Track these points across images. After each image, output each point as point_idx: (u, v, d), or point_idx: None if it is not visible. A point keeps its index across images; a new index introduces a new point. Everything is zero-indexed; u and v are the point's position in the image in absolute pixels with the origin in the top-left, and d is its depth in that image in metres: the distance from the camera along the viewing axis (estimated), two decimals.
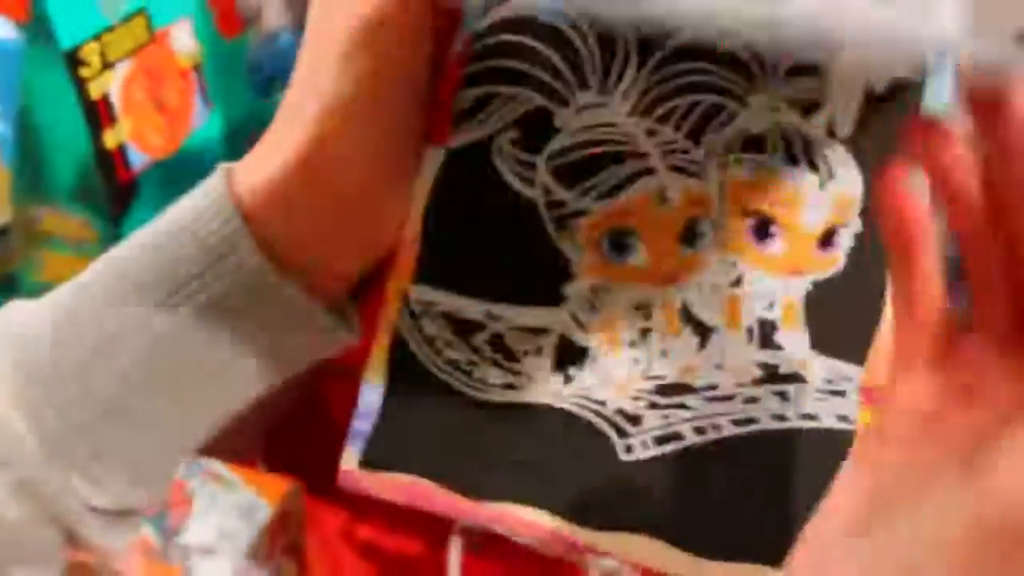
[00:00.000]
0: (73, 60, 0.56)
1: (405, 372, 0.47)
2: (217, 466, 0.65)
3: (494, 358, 0.46)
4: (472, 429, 0.46)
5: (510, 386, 0.46)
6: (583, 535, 0.45)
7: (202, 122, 0.64)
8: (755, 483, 0.45)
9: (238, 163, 0.47)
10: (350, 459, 0.47)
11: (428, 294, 0.47)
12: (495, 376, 0.46)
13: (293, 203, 0.46)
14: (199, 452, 0.61)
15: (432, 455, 0.46)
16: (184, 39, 0.62)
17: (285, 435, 0.74)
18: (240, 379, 0.48)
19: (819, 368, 0.45)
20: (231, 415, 0.50)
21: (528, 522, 0.46)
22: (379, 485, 0.47)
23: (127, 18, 0.58)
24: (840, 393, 0.45)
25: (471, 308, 0.47)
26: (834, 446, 0.44)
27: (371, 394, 0.47)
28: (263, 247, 0.46)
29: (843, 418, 0.45)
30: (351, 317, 0.50)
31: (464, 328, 0.47)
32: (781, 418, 0.45)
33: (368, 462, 0.47)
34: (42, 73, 0.57)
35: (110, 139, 0.58)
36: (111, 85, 0.58)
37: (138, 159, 0.60)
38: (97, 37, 0.57)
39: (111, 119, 0.58)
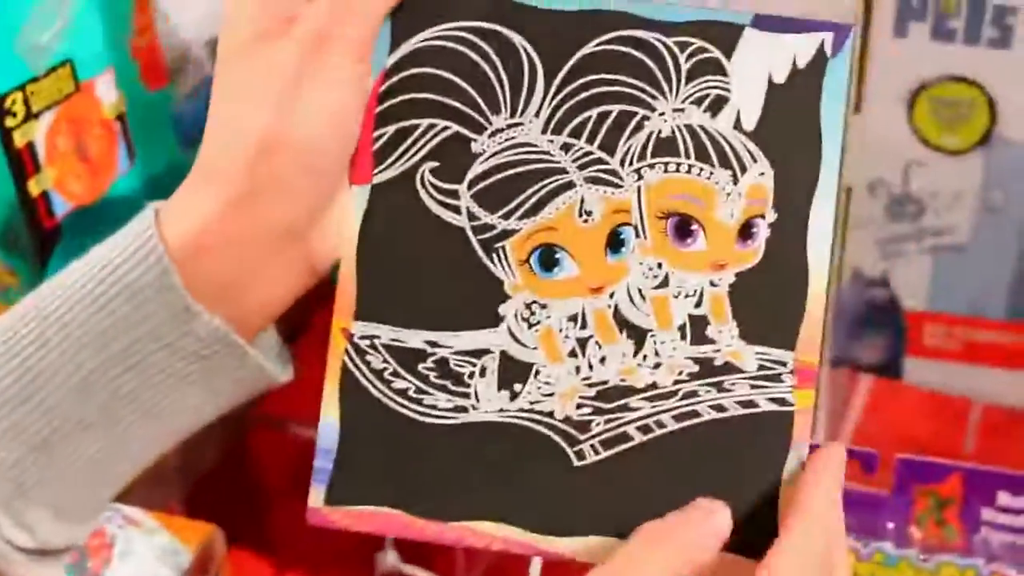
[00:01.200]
0: None
1: (358, 406, 0.48)
2: (137, 512, 0.65)
3: (441, 383, 0.48)
4: (429, 455, 0.48)
5: (460, 408, 0.48)
6: (547, 543, 0.48)
7: (125, 171, 0.65)
8: (702, 473, 0.47)
9: (165, 203, 0.48)
10: (316, 497, 0.48)
11: (370, 329, 0.48)
12: (444, 401, 0.48)
13: (220, 242, 0.47)
14: (119, 499, 0.61)
15: (393, 484, 0.48)
16: (109, 90, 0.63)
17: (209, 485, 0.74)
18: (170, 417, 0.48)
19: (751, 356, 0.48)
20: (161, 454, 0.50)
21: (495, 537, 0.48)
22: (347, 519, 0.48)
23: (52, 69, 0.59)
24: (774, 378, 0.47)
25: (413, 339, 0.48)
26: (773, 428, 0.47)
27: (328, 431, 0.48)
28: (191, 286, 0.46)
29: (780, 401, 0.47)
30: (283, 356, 0.51)
31: (408, 358, 0.48)
32: (720, 408, 0.47)
33: (333, 499, 0.48)
34: None
35: (34, 187, 0.59)
36: (36, 134, 0.59)
37: (61, 206, 0.61)
38: (22, 87, 0.58)
39: (35, 167, 0.59)
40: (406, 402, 0.48)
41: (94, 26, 0.61)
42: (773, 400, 0.47)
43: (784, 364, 0.47)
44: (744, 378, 0.47)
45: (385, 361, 0.48)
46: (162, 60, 0.66)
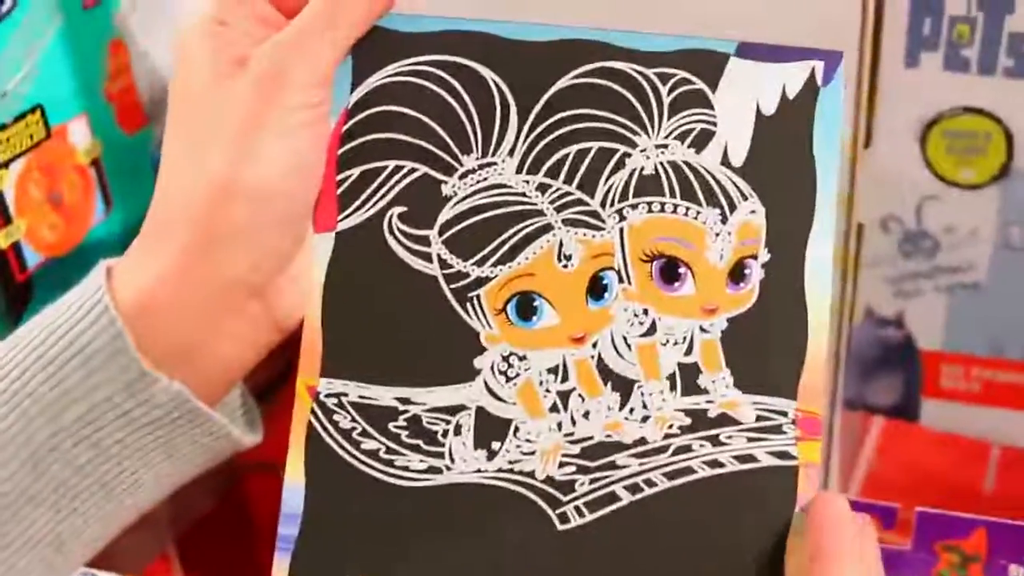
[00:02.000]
0: None
1: (325, 469, 0.46)
2: None
3: (413, 443, 0.45)
4: (401, 520, 0.45)
5: (434, 470, 0.45)
6: None
7: (101, 219, 0.63)
8: (698, 535, 0.44)
9: (118, 262, 0.45)
10: (280, 569, 0.45)
11: (337, 386, 0.46)
12: (417, 462, 0.45)
13: (176, 299, 0.44)
14: (108, 551, 0.59)
15: (363, 553, 0.45)
16: (83, 135, 0.61)
17: (203, 532, 0.72)
18: (130, 491, 0.46)
19: (748, 407, 0.45)
20: (127, 525, 0.48)
21: None
22: None
23: (22, 115, 0.57)
24: (775, 429, 0.45)
25: (383, 395, 0.46)
26: (776, 484, 0.44)
27: (293, 495, 0.46)
28: (146, 349, 0.44)
29: (781, 454, 0.44)
30: (252, 417, 0.49)
31: (378, 416, 0.46)
32: (716, 464, 0.45)
33: (299, 569, 0.45)
34: None
35: (3, 239, 0.57)
36: (5, 184, 0.56)
37: (33, 258, 0.59)
38: None
39: (5, 219, 0.57)
40: (376, 464, 0.45)
41: (64, 71, 0.59)
42: (774, 454, 0.44)
43: (785, 414, 0.45)
44: (741, 431, 0.45)
45: (354, 420, 0.46)
46: (139, 102, 0.65)
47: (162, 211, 0.46)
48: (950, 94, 0.64)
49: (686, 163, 0.45)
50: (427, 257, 0.46)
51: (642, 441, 0.45)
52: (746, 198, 0.45)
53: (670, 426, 0.45)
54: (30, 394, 0.44)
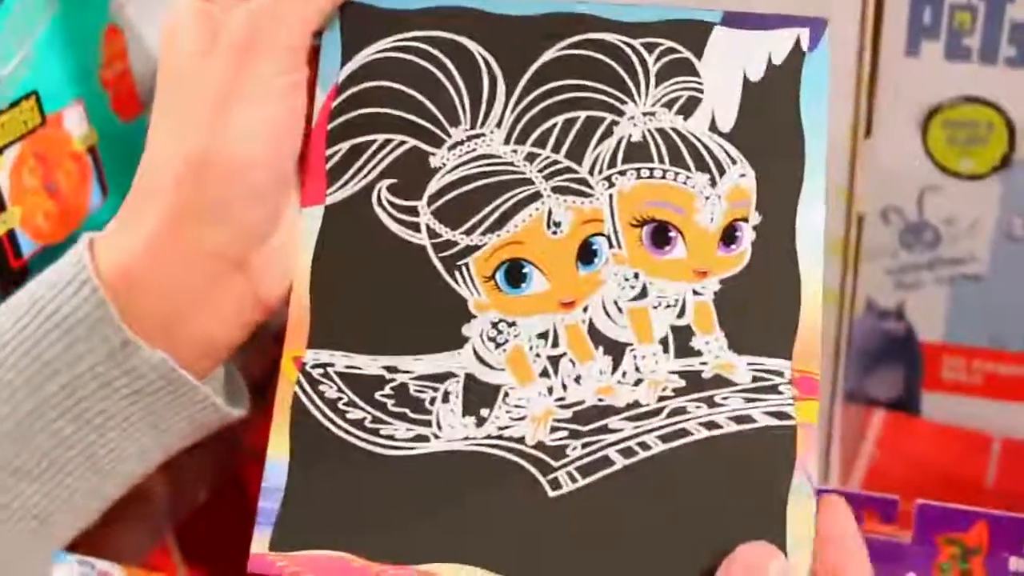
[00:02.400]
0: None
1: (309, 441, 0.45)
2: (112, 567, 0.63)
3: (399, 411, 0.45)
4: (386, 490, 0.45)
5: (420, 438, 0.45)
6: None
7: (97, 206, 0.63)
8: (694, 498, 0.43)
9: (100, 235, 0.46)
10: (260, 542, 0.45)
11: (324, 357, 0.46)
12: (403, 431, 0.45)
13: (157, 268, 0.45)
14: (105, 542, 0.59)
15: (347, 525, 0.45)
16: (79, 122, 0.61)
17: (201, 521, 0.72)
18: (115, 463, 0.46)
19: (744, 368, 0.44)
20: (114, 499, 0.48)
21: None
22: (293, 566, 0.44)
23: (16, 102, 0.57)
24: (771, 389, 0.44)
25: (370, 365, 0.45)
26: (774, 445, 0.43)
27: (276, 469, 0.45)
28: (128, 318, 0.44)
29: (779, 414, 0.44)
30: (238, 390, 0.49)
31: (365, 386, 0.45)
32: (712, 425, 0.44)
33: (280, 542, 0.45)
34: None
35: None
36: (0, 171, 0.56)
37: (28, 246, 0.59)
38: None
39: (0, 206, 0.57)
40: (362, 433, 0.45)
41: (59, 57, 0.59)
42: (771, 414, 0.44)
43: (781, 374, 0.44)
44: (737, 391, 0.44)
45: (340, 390, 0.45)
46: (135, 89, 0.65)
47: (142, 184, 0.46)
48: (951, 83, 0.64)
49: (674, 130, 0.46)
50: (415, 227, 0.46)
51: (635, 404, 0.44)
52: (735, 162, 0.45)
53: (664, 389, 0.44)
54: (13, 366, 0.44)
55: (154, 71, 0.65)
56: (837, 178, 0.65)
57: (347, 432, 0.45)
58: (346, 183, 0.46)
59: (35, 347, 0.44)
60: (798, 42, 0.46)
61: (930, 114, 0.65)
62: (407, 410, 0.45)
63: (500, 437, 0.45)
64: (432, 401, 0.45)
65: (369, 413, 0.45)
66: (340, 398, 0.45)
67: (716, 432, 0.44)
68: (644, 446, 0.44)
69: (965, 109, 0.65)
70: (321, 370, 0.45)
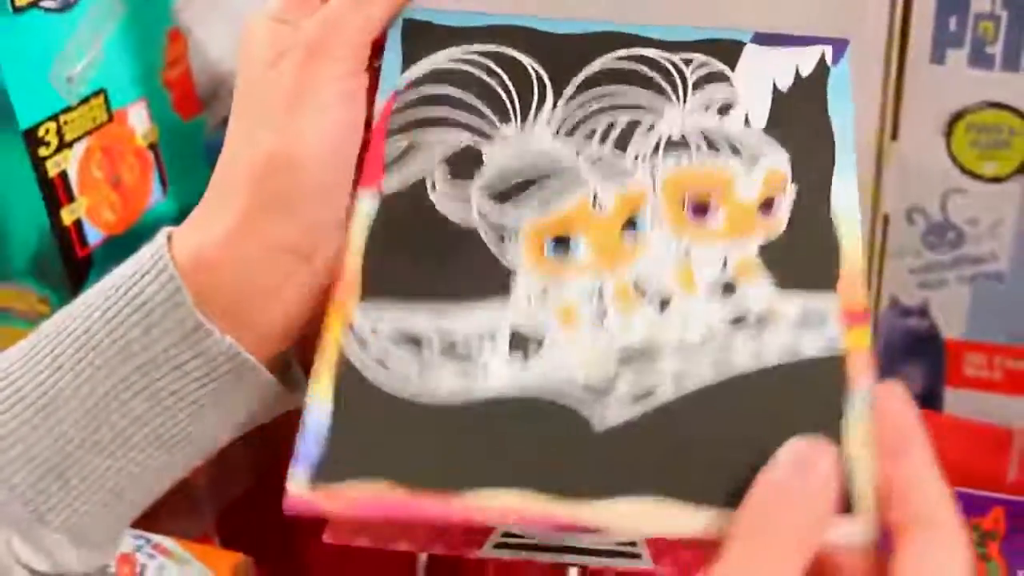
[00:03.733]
0: (31, 139, 0.57)
1: (353, 390, 0.45)
2: (166, 541, 0.65)
3: (447, 364, 0.45)
4: (431, 432, 0.44)
5: (466, 388, 0.44)
6: (571, 511, 0.42)
7: (158, 200, 0.65)
8: (744, 429, 0.42)
9: (177, 229, 0.48)
10: (298, 482, 0.43)
11: (371, 311, 0.46)
12: (448, 380, 0.45)
13: (229, 259, 0.47)
14: (150, 529, 0.61)
15: (390, 460, 0.43)
16: (142, 119, 0.63)
17: (242, 512, 0.74)
18: (183, 443, 0.48)
19: (790, 304, 0.45)
20: (178, 477, 0.50)
21: (509, 509, 0.42)
22: (332, 503, 0.42)
23: (86, 98, 0.59)
24: (819, 321, 0.44)
25: (419, 320, 0.46)
26: (825, 374, 0.43)
27: (318, 414, 0.44)
28: (201, 304, 0.46)
29: (828, 347, 0.44)
30: (298, 378, 0.51)
31: (412, 340, 0.46)
32: (761, 357, 0.44)
33: (320, 478, 0.43)
34: (1, 152, 0.58)
35: (67, 216, 0.59)
36: (69, 163, 0.59)
37: (94, 235, 0.61)
38: (55, 117, 0.58)
39: (68, 196, 0.59)
40: (408, 384, 0.45)
41: (126, 57, 0.62)
42: (820, 346, 0.43)
43: (827, 307, 0.44)
44: (785, 327, 0.44)
45: (388, 349, 0.45)
46: (195, 90, 0.67)
47: (218, 182, 0.49)
48: (975, 89, 0.65)
49: (711, 127, 0.49)
50: (467, 211, 0.48)
51: (683, 343, 0.44)
52: (770, 148, 0.48)
53: (711, 329, 0.44)
54: (94, 347, 0.46)
55: (212, 73, 0.68)
56: (863, 179, 0.66)
57: (393, 386, 0.45)
58: (402, 173, 0.49)
59: (116, 330, 0.46)
60: (823, 57, 0.50)
61: (954, 119, 0.66)
62: (454, 362, 0.45)
63: (546, 380, 0.44)
64: (480, 351, 0.45)
65: (416, 368, 0.45)
66: (388, 355, 0.45)
67: (765, 364, 0.44)
68: (693, 379, 0.44)
69: (988, 114, 0.66)
70: (370, 324, 0.46)
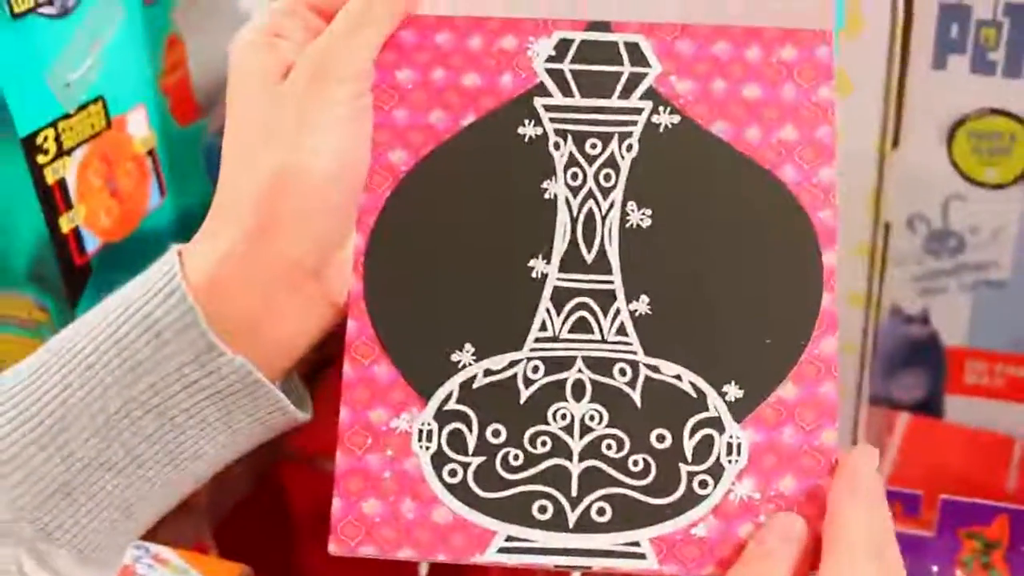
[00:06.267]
0: (30, 146, 0.57)
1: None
2: (165, 551, 0.65)
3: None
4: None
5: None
6: None
7: (156, 206, 0.65)
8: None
9: (186, 246, 0.48)
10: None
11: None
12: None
13: (239, 279, 0.47)
14: (147, 539, 0.60)
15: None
16: (140, 125, 0.63)
17: (240, 521, 0.74)
18: (192, 460, 0.48)
19: None
20: (186, 494, 0.50)
21: None
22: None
23: (84, 105, 0.59)
24: None
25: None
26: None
27: None
28: (212, 324, 0.46)
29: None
30: (302, 397, 0.51)
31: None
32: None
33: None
34: None
35: (65, 223, 0.59)
36: (67, 170, 0.59)
37: (92, 242, 0.61)
38: (53, 124, 0.58)
39: (67, 204, 0.59)
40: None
41: (125, 63, 0.61)
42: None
43: None
44: None
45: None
46: (193, 96, 0.67)
47: (224, 201, 0.49)
48: (976, 96, 0.66)
49: None
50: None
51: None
52: None
53: None
54: (105, 365, 0.46)
55: (210, 79, 0.68)
56: (865, 186, 0.66)
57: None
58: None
59: (126, 349, 0.46)
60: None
61: (955, 125, 0.67)
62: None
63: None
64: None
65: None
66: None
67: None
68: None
69: (989, 121, 0.66)
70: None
